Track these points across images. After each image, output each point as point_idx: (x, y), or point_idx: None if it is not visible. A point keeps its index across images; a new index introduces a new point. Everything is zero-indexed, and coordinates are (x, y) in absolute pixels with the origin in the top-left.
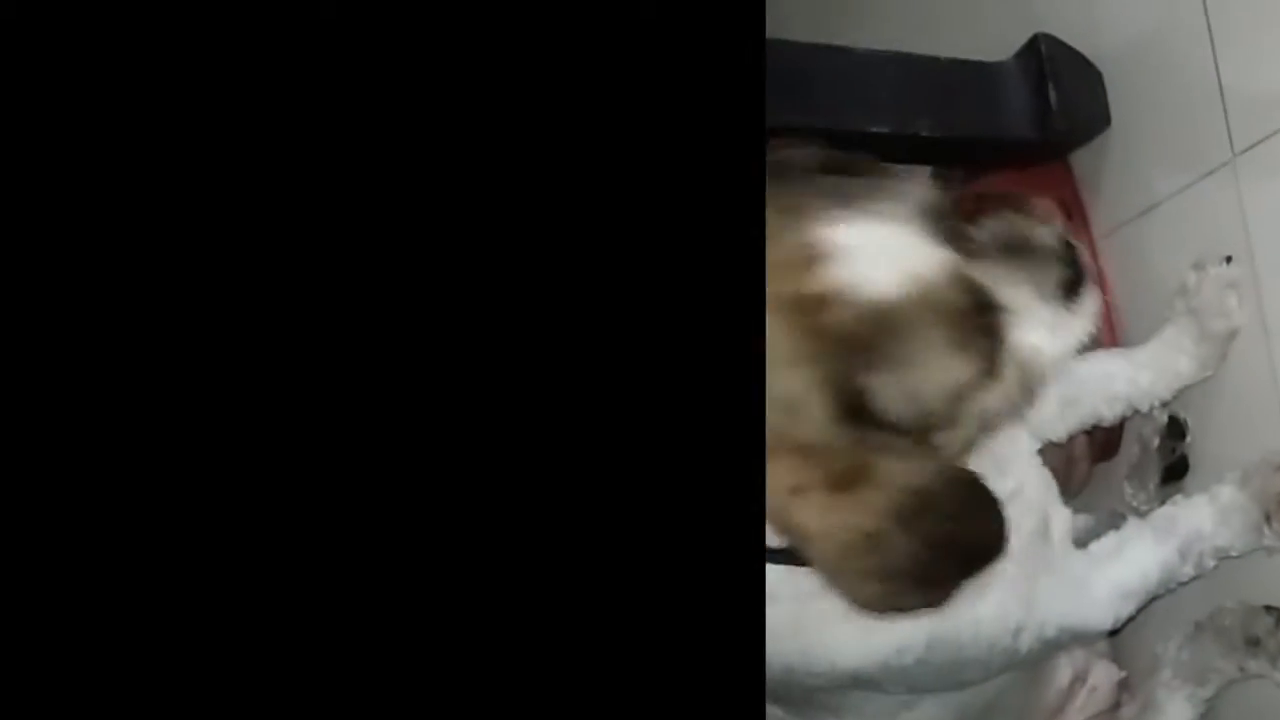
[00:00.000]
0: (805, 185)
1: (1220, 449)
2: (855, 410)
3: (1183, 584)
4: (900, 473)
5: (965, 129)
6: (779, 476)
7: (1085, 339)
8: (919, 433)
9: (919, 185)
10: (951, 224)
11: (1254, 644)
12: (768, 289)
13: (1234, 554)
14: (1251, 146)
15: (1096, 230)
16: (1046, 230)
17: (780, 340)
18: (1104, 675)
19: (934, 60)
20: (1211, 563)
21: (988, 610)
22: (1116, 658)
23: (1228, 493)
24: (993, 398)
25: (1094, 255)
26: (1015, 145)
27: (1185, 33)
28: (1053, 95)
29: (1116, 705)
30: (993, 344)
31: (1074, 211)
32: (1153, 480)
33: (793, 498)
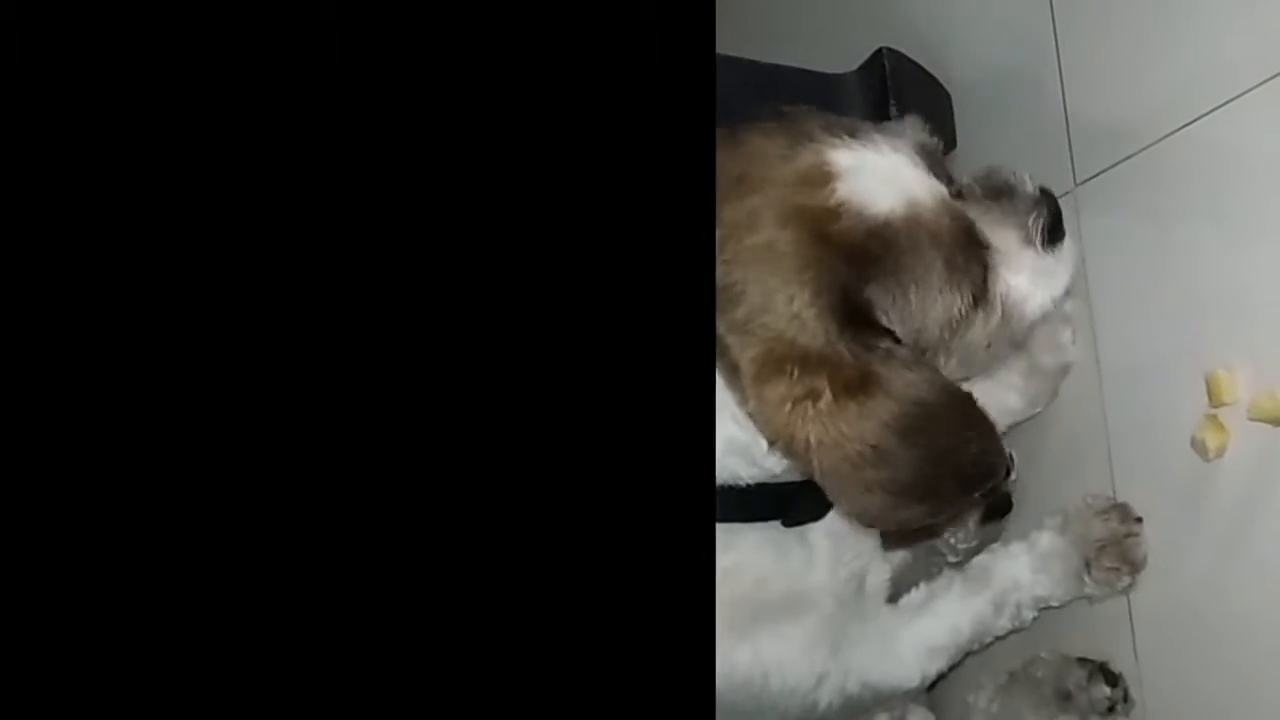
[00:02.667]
0: (815, 119)
1: (1046, 489)
2: (860, 319)
3: (1000, 638)
4: (905, 383)
5: None
6: (784, 388)
7: (1065, 288)
8: (916, 354)
9: (915, 128)
10: (942, 165)
11: (1065, 698)
12: (784, 200)
13: (1054, 604)
14: (1093, 177)
15: None
16: (1026, 179)
17: (791, 249)
18: None
19: (768, 67)
20: (1030, 614)
21: (795, 650)
22: (930, 706)
23: (1047, 539)
24: (981, 332)
25: None
26: None
27: (1036, 62)
28: (894, 110)
29: None
30: (984, 275)
31: None
32: (973, 517)
33: (797, 409)
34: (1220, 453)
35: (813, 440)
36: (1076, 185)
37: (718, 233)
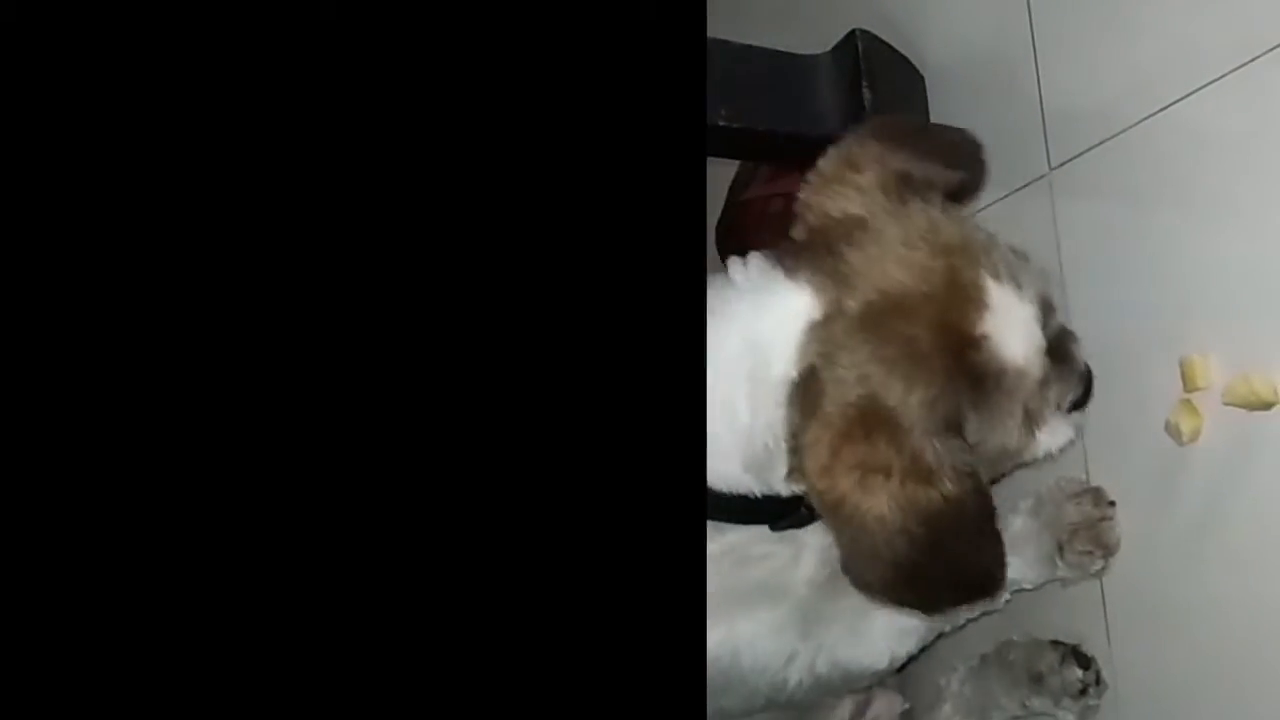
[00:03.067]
0: (966, 228)
1: (1019, 472)
2: (953, 429)
3: (972, 620)
4: (960, 489)
5: (769, 122)
6: (863, 453)
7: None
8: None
9: (1041, 279)
10: (1051, 313)
11: (1037, 680)
12: (943, 312)
13: (1027, 587)
14: (1067, 161)
15: None
16: (1078, 350)
17: (932, 355)
18: (886, 706)
19: (739, 47)
20: (1002, 597)
21: (765, 630)
22: (900, 688)
23: (1019, 522)
24: (1012, 465)
25: None
26: (825, 143)
27: (1011, 46)
28: (867, 95)
29: None
30: (1032, 431)
31: None
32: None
33: (865, 477)
34: (1194, 437)
35: (862, 508)
36: (1051, 170)
37: (859, 298)
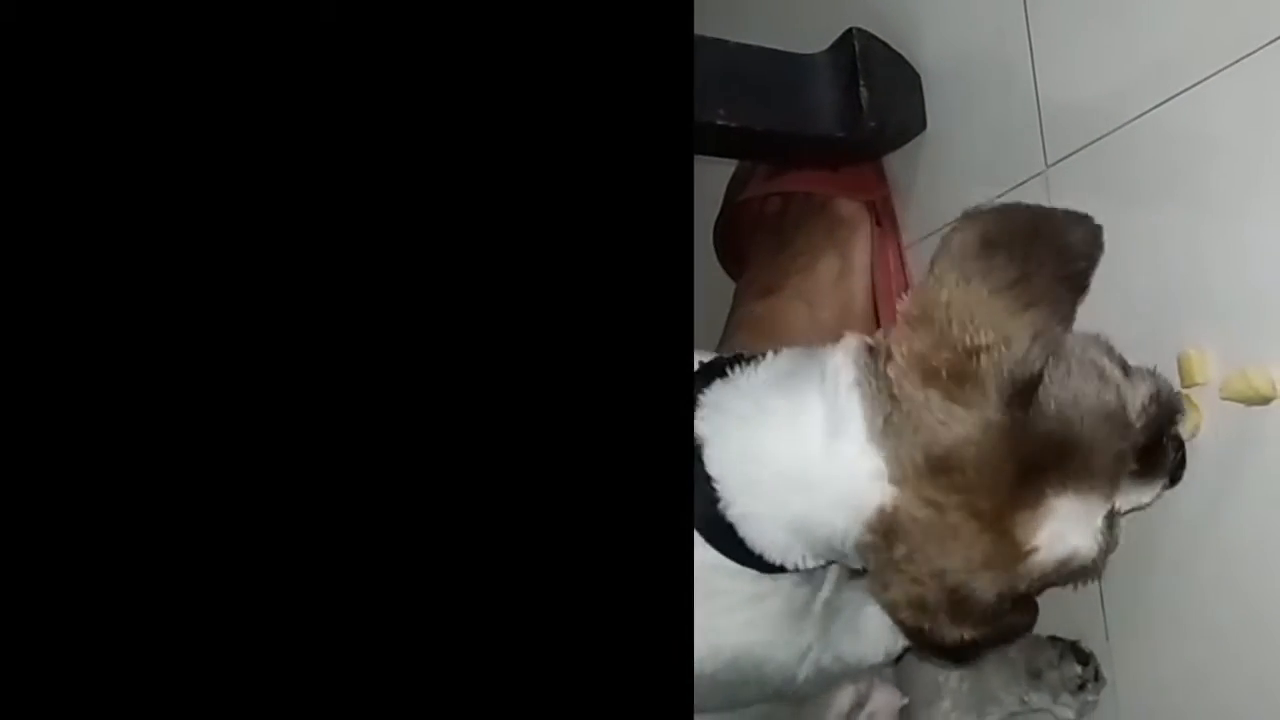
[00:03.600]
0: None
1: None
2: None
3: None
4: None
5: (766, 121)
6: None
7: None
8: None
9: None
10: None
11: (1036, 676)
12: (999, 528)
13: None
14: (1064, 158)
15: (907, 236)
16: (1176, 441)
17: (984, 560)
18: (885, 701)
19: (736, 47)
20: None
21: (786, 634)
22: (899, 683)
23: None
24: None
25: (903, 262)
26: (822, 143)
27: (1007, 43)
28: (864, 94)
29: None
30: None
31: (884, 217)
32: None
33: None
34: (1194, 433)
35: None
36: (1048, 167)
37: (924, 508)
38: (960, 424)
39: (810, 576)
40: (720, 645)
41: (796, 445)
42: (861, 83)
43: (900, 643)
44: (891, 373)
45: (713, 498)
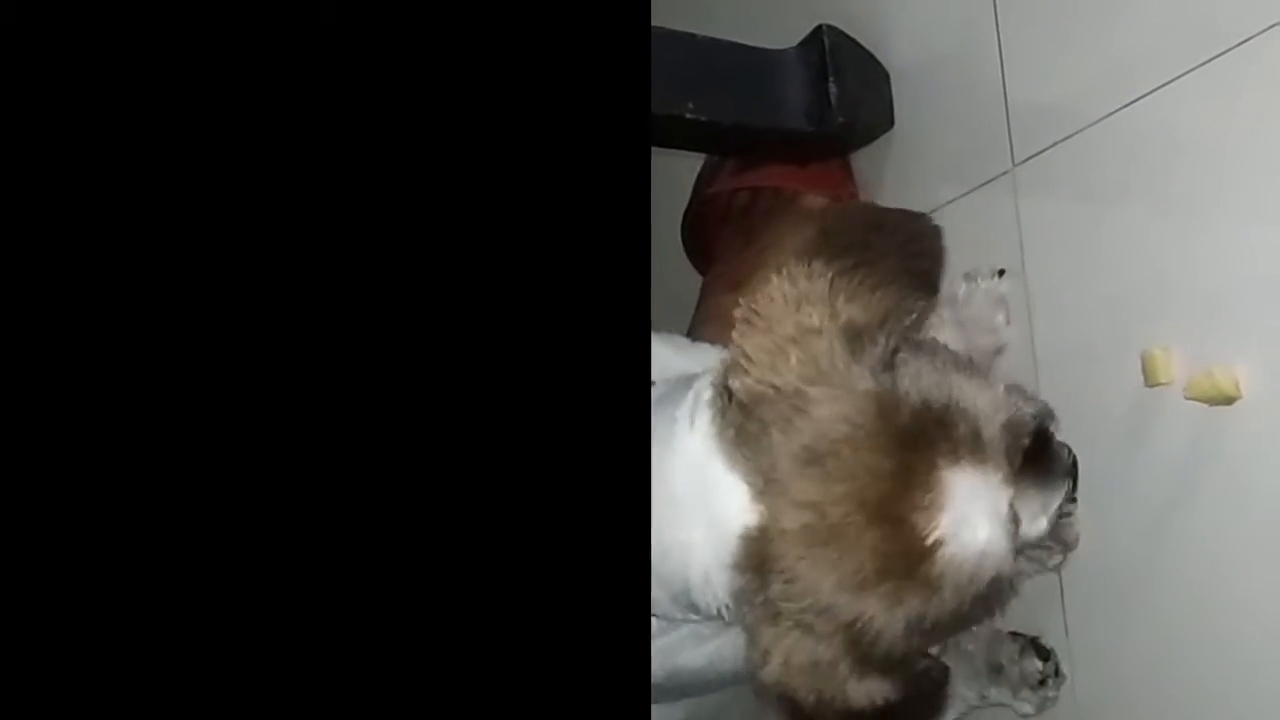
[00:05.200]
0: (919, 391)
1: None
2: (909, 634)
3: None
4: (902, 689)
5: (735, 115)
6: (812, 654)
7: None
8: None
9: (1011, 395)
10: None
11: (997, 671)
12: (885, 525)
13: None
14: (1031, 157)
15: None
16: (1066, 452)
17: (878, 576)
18: None
19: (706, 41)
20: None
21: (724, 649)
22: None
23: None
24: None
25: None
26: (790, 137)
27: (976, 42)
28: (832, 89)
29: None
30: (1017, 580)
31: None
32: None
33: (812, 675)
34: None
35: (801, 698)
36: (1014, 165)
37: (802, 506)
38: (821, 404)
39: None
40: (656, 664)
41: (655, 472)
42: (831, 79)
43: None
44: (736, 382)
45: None
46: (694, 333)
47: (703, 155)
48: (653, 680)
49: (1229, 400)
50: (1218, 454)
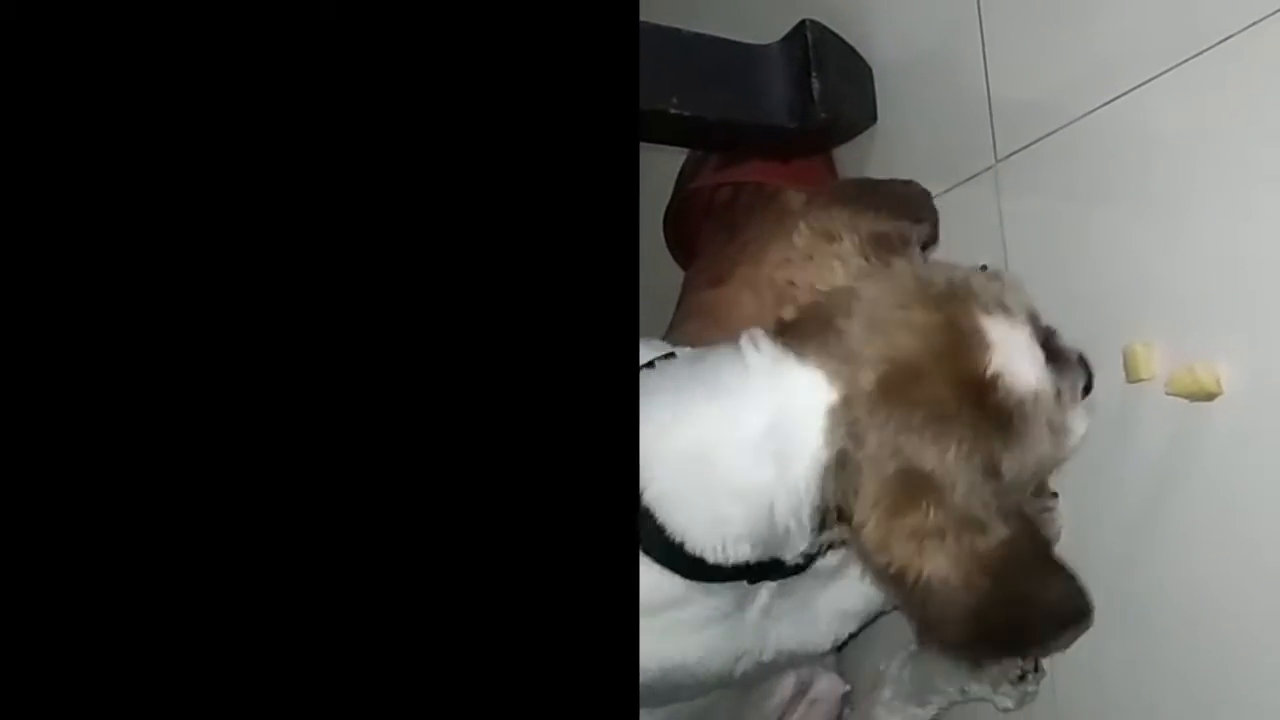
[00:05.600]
0: (947, 273)
1: None
2: (992, 474)
3: None
4: (1013, 532)
5: (719, 110)
6: (917, 521)
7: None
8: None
9: (1018, 290)
10: (1038, 324)
11: (976, 667)
12: (952, 365)
13: None
14: (1014, 153)
15: None
16: (1070, 346)
17: (956, 411)
18: (827, 688)
19: (690, 36)
20: None
21: (721, 644)
22: (840, 671)
23: None
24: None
25: None
26: (773, 133)
27: (959, 38)
28: (815, 85)
29: (838, 718)
30: (1061, 434)
31: None
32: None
33: (926, 543)
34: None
35: (928, 574)
36: (997, 161)
37: (870, 372)
38: (870, 288)
39: (736, 596)
40: (647, 662)
41: (718, 399)
42: (814, 74)
43: (848, 629)
44: (788, 311)
45: None
46: (676, 327)
47: (686, 150)
48: (646, 679)
49: (1210, 396)
50: (1198, 449)
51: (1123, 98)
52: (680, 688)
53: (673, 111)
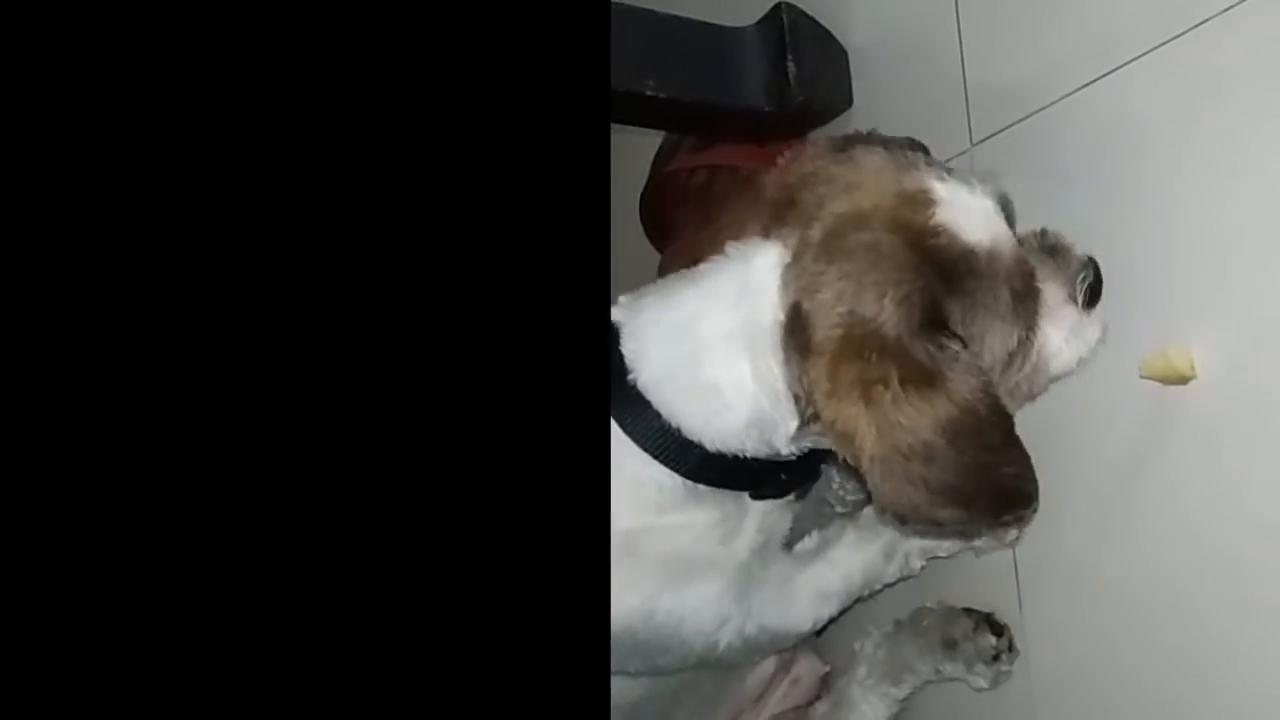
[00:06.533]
0: (919, 154)
1: None
2: (939, 324)
3: (889, 585)
4: (966, 388)
5: (695, 92)
6: (858, 371)
7: (1090, 352)
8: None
9: (996, 183)
10: (1012, 217)
11: (951, 647)
12: (892, 211)
13: (942, 555)
14: (989, 137)
15: None
16: (1075, 243)
17: (892, 251)
18: (808, 668)
19: (667, 18)
20: (919, 564)
21: (709, 597)
22: (818, 651)
23: None
24: (1014, 376)
25: None
26: (749, 115)
27: (935, 23)
28: (791, 67)
29: (816, 698)
30: (1034, 320)
31: None
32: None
33: (866, 392)
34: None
35: (870, 426)
36: (972, 145)
37: (819, 227)
38: (838, 169)
39: (735, 506)
40: (638, 602)
41: (699, 283)
42: (789, 57)
43: (827, 611)
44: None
45: (622, 370)
46: None
47: (662, 132)
48: (630, 626)
49: (1184, 380)
50: (1172, 433)
51: (1098, 82)
52: (667, 648)
53: (649, 94)
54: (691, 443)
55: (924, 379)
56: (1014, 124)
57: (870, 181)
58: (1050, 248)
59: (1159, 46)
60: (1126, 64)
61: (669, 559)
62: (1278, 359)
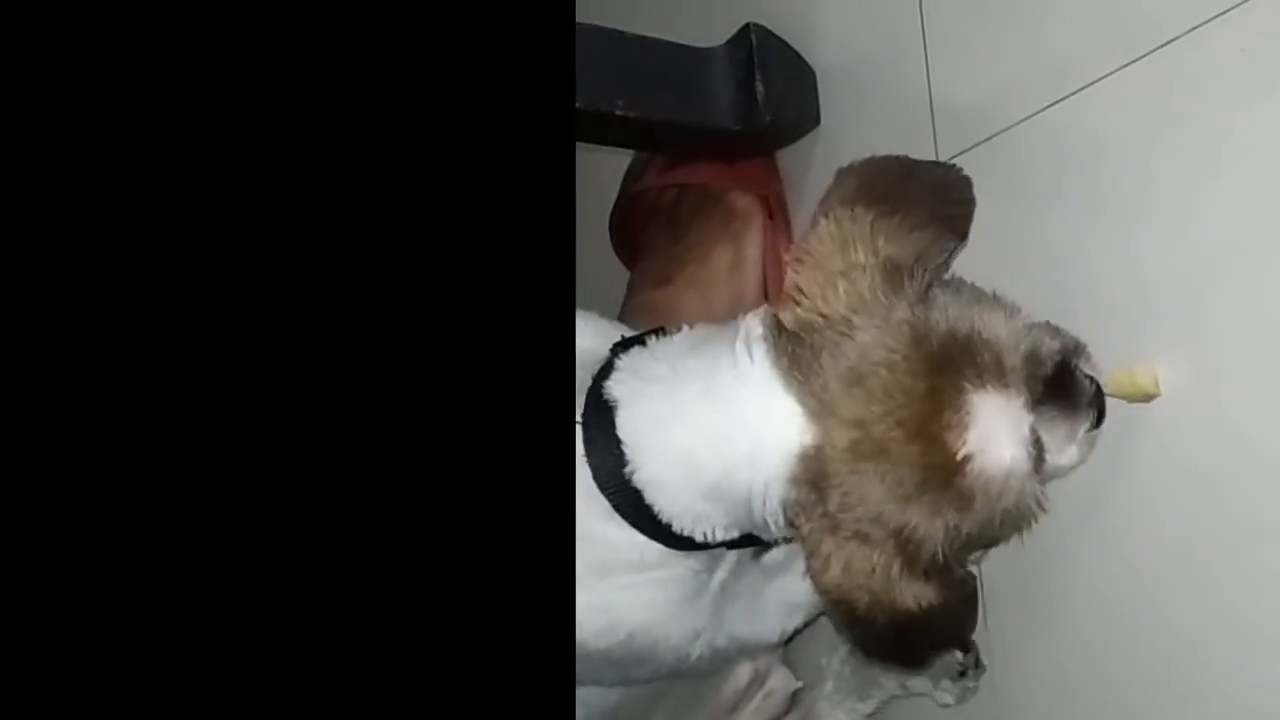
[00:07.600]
0: (949, 322)
1: None
2: (944, 548)
3: None
4: (948, 591)
5: (663, 112)
6: (866, 567)
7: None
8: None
9: (1035, 331)
10: (1037, 378)
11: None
12: (922, 450)
13: None
14: (956, 156)
15: (799, 230)
16: (1085, 378)
17: (916, 488)
18: (781, 681)
19: (635, 38)
20: None
21: (683, 614)
22: (789, 665)
23: None
24: None
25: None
26: (717, 135)
27: (901, 41)
28: (759, 87)
29: (788, 712)
30: (1036, 502)
31: (776, 210)
32: None
33: (848, 572)
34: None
35: (849, 600)
36: None
37: (849, 423)
38: (864, 330)
39: (711, 559)
40: (617, 622)
41: (710, 404)
42: (758, 77)
43: (794, 623)
44: (788, 315)
45: (620, 461)
46: None
47: (631, 152)
48: (616, 645)
49: (1148, 398)
50: (1136, 450)
51: (1064, 101)
52: (639, 662)
53: (618, 113)
54: (682, 535)
55: (917, 574)
56: (980, 143)
57: (903, 384)
58: (1064, 388)
59: (1123, 67)
60: (1091, 84)
61: (647, 587)
62: (1242, 377)
